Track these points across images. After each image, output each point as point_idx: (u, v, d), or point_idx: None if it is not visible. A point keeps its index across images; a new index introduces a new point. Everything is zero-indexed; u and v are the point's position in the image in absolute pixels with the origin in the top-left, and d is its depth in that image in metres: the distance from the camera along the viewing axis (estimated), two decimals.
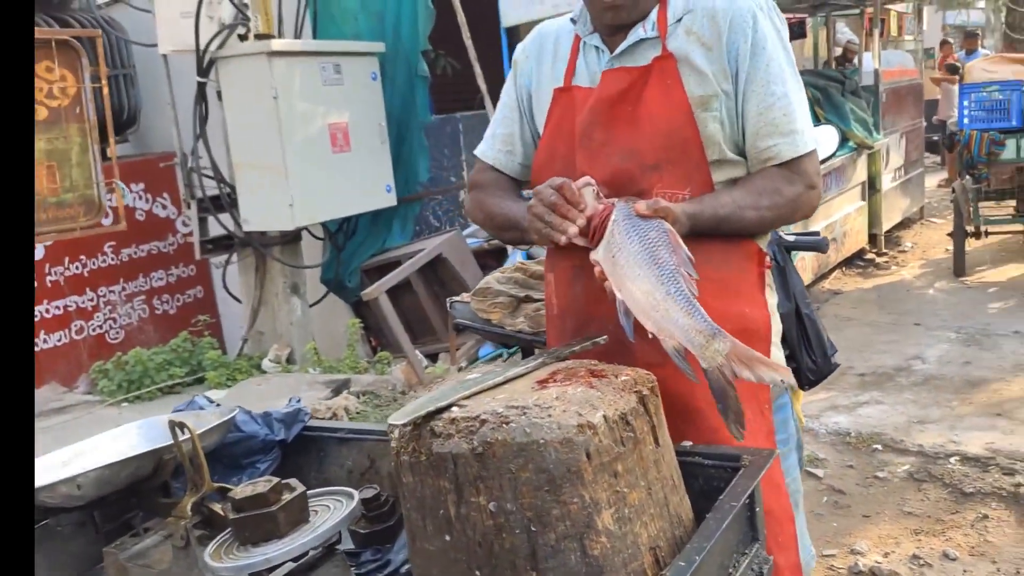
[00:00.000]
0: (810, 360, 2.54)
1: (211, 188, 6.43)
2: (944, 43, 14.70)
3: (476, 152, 2.06)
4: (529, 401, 1.35)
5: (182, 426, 1.60)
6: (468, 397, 1.41)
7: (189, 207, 6.61)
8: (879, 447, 4.49)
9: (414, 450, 1.37)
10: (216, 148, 6.32)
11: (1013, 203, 7.95)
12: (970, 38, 13.43)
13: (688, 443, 1.60)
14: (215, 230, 6.64)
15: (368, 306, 6.33)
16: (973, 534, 3.64)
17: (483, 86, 6.66)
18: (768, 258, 1.90)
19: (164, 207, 7.87)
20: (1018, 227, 8.32)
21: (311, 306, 6.88)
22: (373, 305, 6.08)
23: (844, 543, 3.64)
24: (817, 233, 2.66)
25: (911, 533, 3.70)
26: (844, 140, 7.66)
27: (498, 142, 2.02)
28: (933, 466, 4.22)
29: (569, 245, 1.62)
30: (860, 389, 5.30)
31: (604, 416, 1.34)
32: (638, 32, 1.78)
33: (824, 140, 2.61)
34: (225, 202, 6.38)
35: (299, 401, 2.01)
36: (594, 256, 1.59)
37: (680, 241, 1.54)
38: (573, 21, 1.92)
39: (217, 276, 7.38)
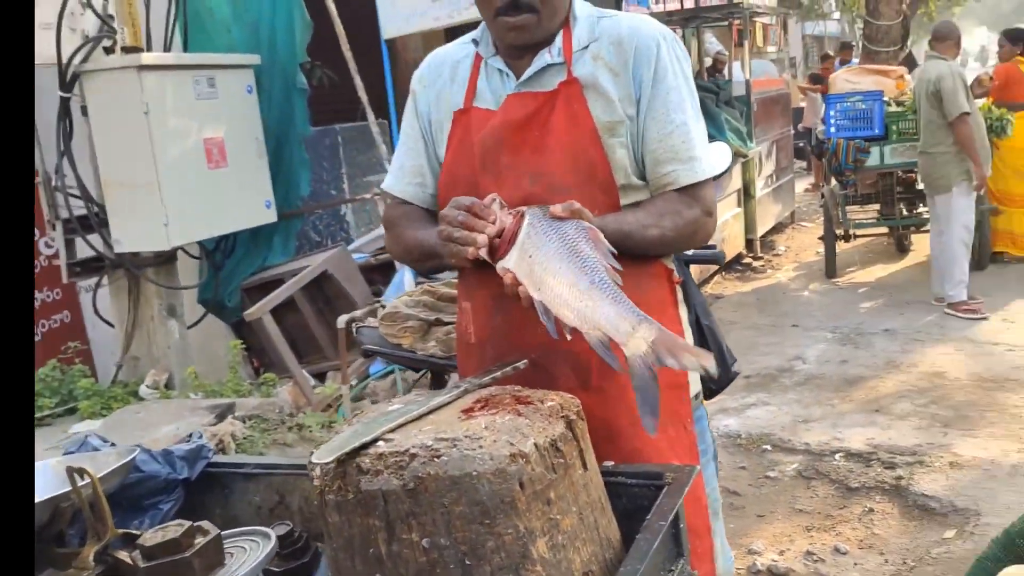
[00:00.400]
0: None
1: (78, 208, 6.10)
2: (825, 56, 15.34)
3: (384, 187, 1.99)
4: (458, 432, 1.31)
5: (81, 472, 1.49)
6: (393, 430, 1.36)
7: (54, 228, 6.26)
8: (768, 447, 4.62)
9: (340, 488, 1.31)
10: (82, 166, 6.00)
11: (877, 207, 8.36)
12: (845, 49, 14.17)
13: (610, 463, 1.59)
14: (83, 252, 6.31)
15: (249, 326, 6.12)
16: (861, 527, 3.78)
17: (364, 97, 6.56)
18: (675, 274, 1.92)
19: None
20: (883, 229, 8.76)
21: (189, 328, 6.61)
22: (256, 325, 5.89)
23: (741, 543, 3.72)
24: (714, 246, 2.70)
25: (803, 530, 3.81)
26: None
27: (407, 174, 1.95)
28: (820, 463, 4.37)
29: (487, 272, 1.59)
30: (747, 391, 5.44)
31: (535, 444, 1.31)
32: (544, 58, 1.77)
33: (718, 156, 2.64)
34: (94, 222, 6.05)
35: (200, 436, 1.91)
36: (504, 264, 1.54)
37: (600, 236, 1.52)
38: (475, 42, 1.89)
39: (86, 300, 6.99)
